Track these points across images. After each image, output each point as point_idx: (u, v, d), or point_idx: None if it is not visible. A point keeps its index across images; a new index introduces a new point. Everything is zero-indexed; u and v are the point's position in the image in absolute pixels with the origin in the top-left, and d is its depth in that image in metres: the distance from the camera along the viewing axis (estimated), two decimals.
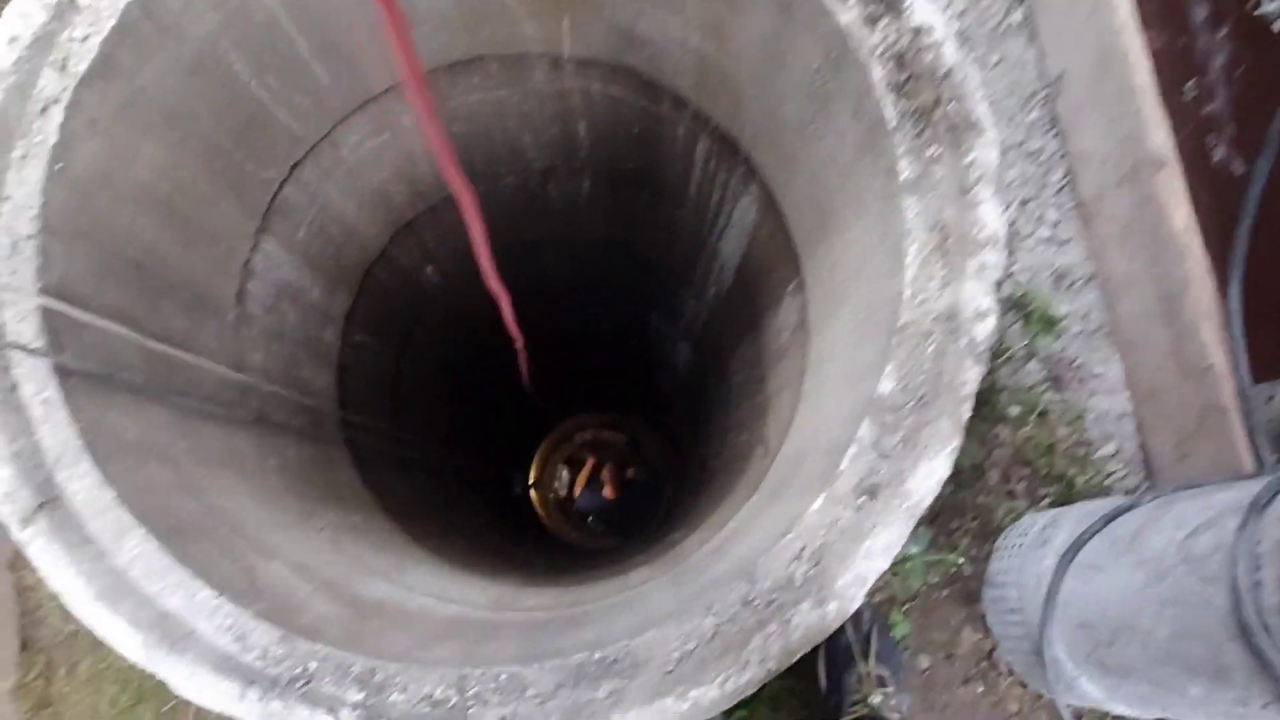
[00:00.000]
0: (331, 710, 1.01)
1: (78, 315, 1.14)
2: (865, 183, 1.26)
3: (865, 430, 1.09)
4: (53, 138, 1.12)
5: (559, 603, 1.59)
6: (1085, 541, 1.41)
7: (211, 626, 1.05)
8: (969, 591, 1.91)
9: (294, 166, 1.65)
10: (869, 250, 1.28)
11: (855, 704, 1.53)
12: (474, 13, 1.51)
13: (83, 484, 1.07)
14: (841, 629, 1.47)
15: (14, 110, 1.12)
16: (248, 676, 1.02)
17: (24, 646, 2.25)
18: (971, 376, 1.06)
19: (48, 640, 2.25)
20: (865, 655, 1.56)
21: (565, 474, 4.72)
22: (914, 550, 1.89)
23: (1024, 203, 2.14)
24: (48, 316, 1.11)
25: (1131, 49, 1.87)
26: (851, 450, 1.08)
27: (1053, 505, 1.95)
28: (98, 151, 1.20)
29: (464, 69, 1.69)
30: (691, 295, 2.51)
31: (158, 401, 1.29)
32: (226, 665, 1.03)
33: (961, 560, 1.90)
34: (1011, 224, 2.08)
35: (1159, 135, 1.85)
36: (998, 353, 1.99)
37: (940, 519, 1.96)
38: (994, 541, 1.91)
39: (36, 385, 1.08)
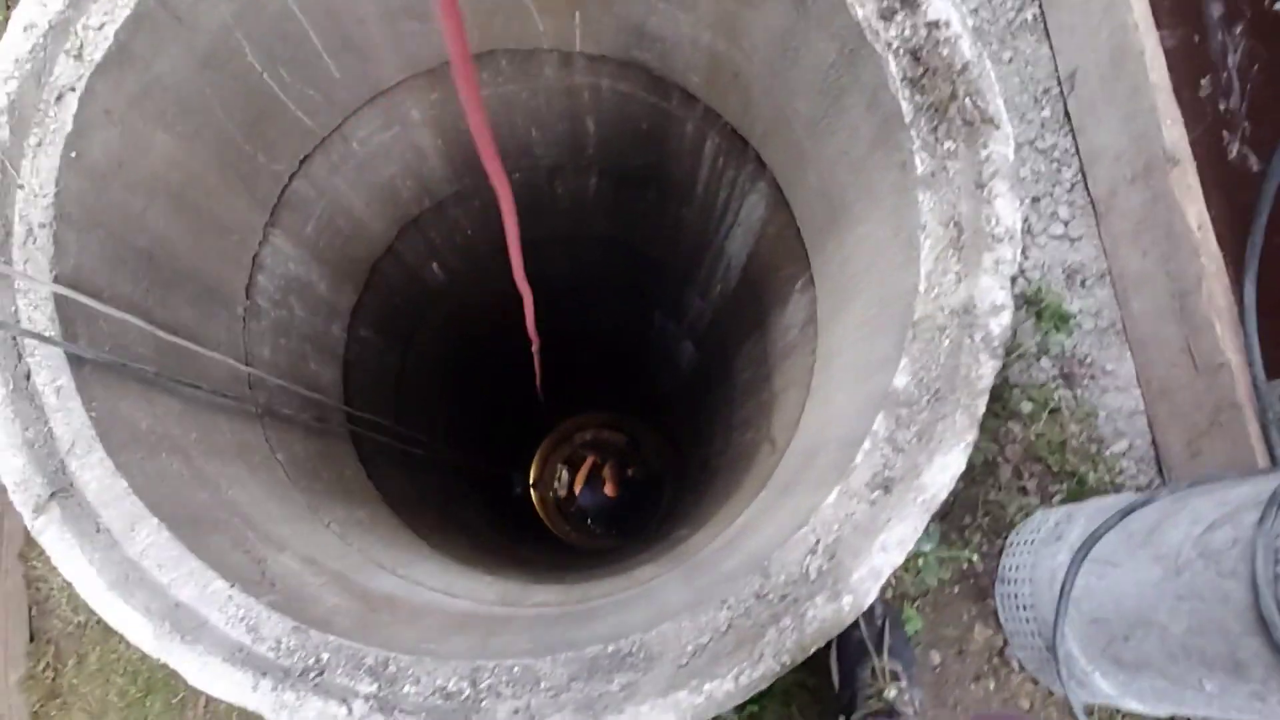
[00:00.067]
0: (344, 701, 1.01)
1: (91, 304, 1.14)
2: (879, 177, 1.26)
3: (879, 424, 1.08)
4: (68, 126, 1.12)
5: (566, 599, 1.58)
6: (1100, 537, 1.41)
7: (224, 617, 1.05)
8: (980, 587, 1.91)
9: (304, 160, 1.65)
10: (881, 245, 1.28)
11: (870, 698, 1.53)
12: (487, 6, 1.51)
13: (95, 473, 1.07)
14: (855, 624, 1.46)
15: (30, 98, 1.11)
16: (260, 667, 1.02)
17: (33, 638, 2.25)
18: (987, 371, 1.06)
19: (57, 632, 2.25)
20: (879, 650, 1.56)
21: (565, 474, 4.72)
22: (926, 547, 1.88)
23: (1036, 200, 2.15)
24: (61, 305, 1.11)
25: (1146, 46, 1.88)
26: (865, 444, 1.08)
27: (1064, 502, 1.95)
28: (112, 140, 1.19)
29: (474, 63, 1.69)
30: (696, 294, 2.51)
31: (169, 393, 1.29)
32: (239, 656, 1.02)
33: (974, 556, 1.90)
34: (1024, 221, 2.08)
35: (1173, 132, 1.85)
36: (1010, 349, 1.99)
37: (951, 515, 1.96)
38: (1005, 538, 1.91)
39: (50, 374, 1.08)
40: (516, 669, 1.04)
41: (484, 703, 1.02)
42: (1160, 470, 1.97)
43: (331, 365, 2.01)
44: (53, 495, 1.05)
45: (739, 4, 1.35)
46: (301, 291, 1.80)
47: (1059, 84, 2.18)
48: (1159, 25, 1.86)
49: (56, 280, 1.11)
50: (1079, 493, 1.93)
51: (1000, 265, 1.07)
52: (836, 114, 1.33)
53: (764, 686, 1.00)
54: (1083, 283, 2.08)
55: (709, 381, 2.72)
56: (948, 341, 1.08)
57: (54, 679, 2.20)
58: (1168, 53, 1.85)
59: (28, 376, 1.08)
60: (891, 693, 1.51)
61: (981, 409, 1.05)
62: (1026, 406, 2.00)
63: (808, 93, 1.37)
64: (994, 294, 1.07)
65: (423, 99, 1.72)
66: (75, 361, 1.10)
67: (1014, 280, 1.08)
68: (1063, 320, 2.02)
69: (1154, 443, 1.99)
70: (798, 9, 1.26)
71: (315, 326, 1.89)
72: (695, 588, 1.24)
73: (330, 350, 2.00)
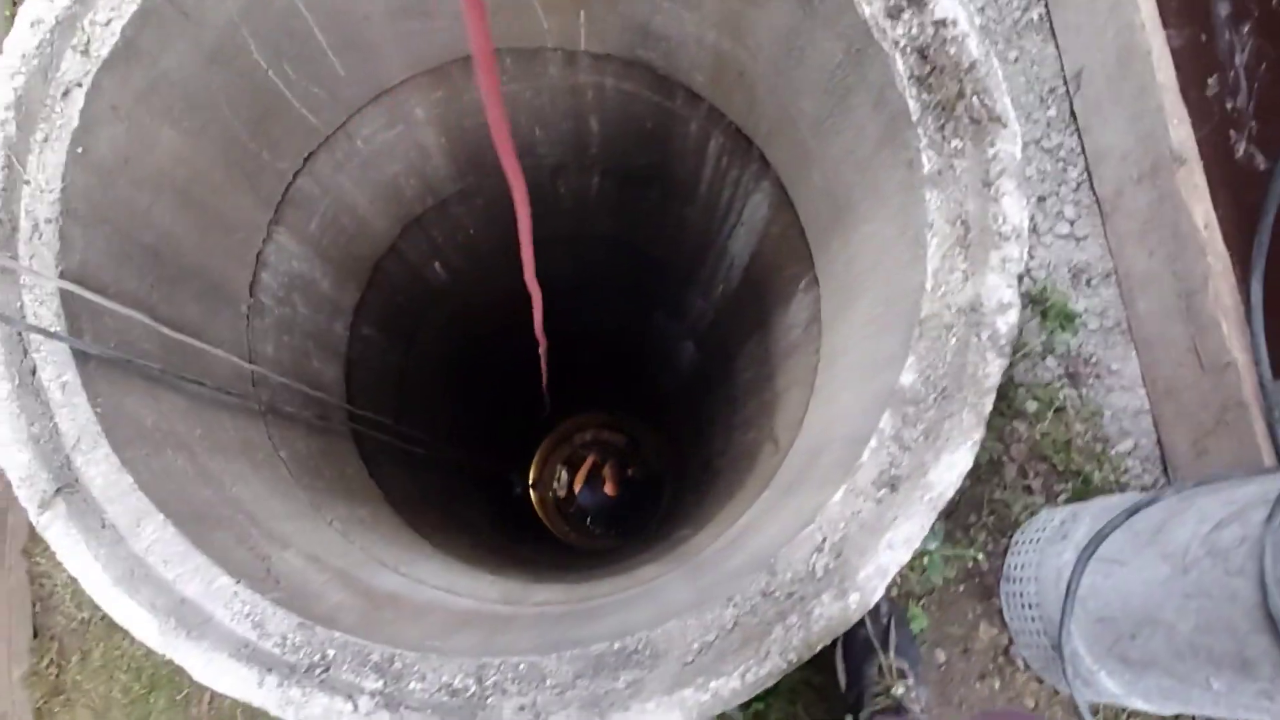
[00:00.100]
0: (350, 698, 1.01)
1: (97, 300, 1.14)
2: (884, 176, 1.26)
3: (886, 422, 1.08)
4: (74, 121, 1.12)
5: (569, 598, 1.58)
6: (1106, 535, 1.41)
7: (229, 613, 1.04)
8: (985, 586, 1.91)
9: (308, 157, 1.65)
10: (887, 244, 1.28)
11: (878, 695, 1.53)
12: (492, 5, 1.51)
13: (100, 469, 1.07)
14: (860, 622, 1.46)
15: (36, 93, 1.11)
16: (266, 663, 1.02)
17: (37, 634, 2.24)
18: (994, 369, 1.06)
19: (60, 628, 2.24)
20: (885, 647, 1.56)
21: (564, 474, 4.73)
22: (932, 545, 1.88)
23: (1041, 199, 2.15)
24: (67, 300, 1.11)
25: (1153, 45, 1.88)
26: (872, 442, 1.08)
27: (1069, 501, 1.96)
28: (118, 136, 1.19)
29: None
30: (698, 294, 2.51)
31: (173, 389, 1.29)
32: (244, 652, 1.02)
33: (980, 555, 1.90)
34: (1030, 220, 2.09)
35: (1180, 131, 1.86)
36: (1015, 348, 2.00)
37: (956, 514, 1.97)
38: (1010, 536, 1.91)
39: (56, 369, 1.08)
40: (522, 666, 1.04)
41: (490, 699, 1.02)
42: (1165, 470, 1.97)
43: (334, 363, 2.01)
44: (58, 491, 1.04)
45: (744, 3, 1.36)
46: (305, 289, 1.80)
47: (1065, 83, 2.19)
48: (1166, 25, 1.86)
49: (62, 276, 1.11)
50: (1084, 492, 1.93)
51: (1007, 263, 1.07)
52: (842, 113, 1.33)
53: (770, 684, 1.00)
54: (1088, 282, 2.09)
55: (710, 381, 2.72)
56: (954, 340, 1.08)
57: (57, 675, 2.20)
58: (1174, 52, 1.86)
59: (33, 372, 1.07)
60: (899, 690, 1.51)
61: (988, 407, 1.05)
62: (1032, 406, 2.00)
63: (813, 92, 1.38)
64: (1001, 292, 1.07)
65: (427, 97, 1.72)
66: (80, 357, 1.10)
67: (1020, 279, 1.08)
68: (1068, 319, 2.02)
69: (1159, 442, 1.99)
70: (804, 8, 1.26)
71: (318, 324, 1.89)
72: (699, 586, 1.24)
73: (333, 348, 2.00)
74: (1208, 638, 1.14)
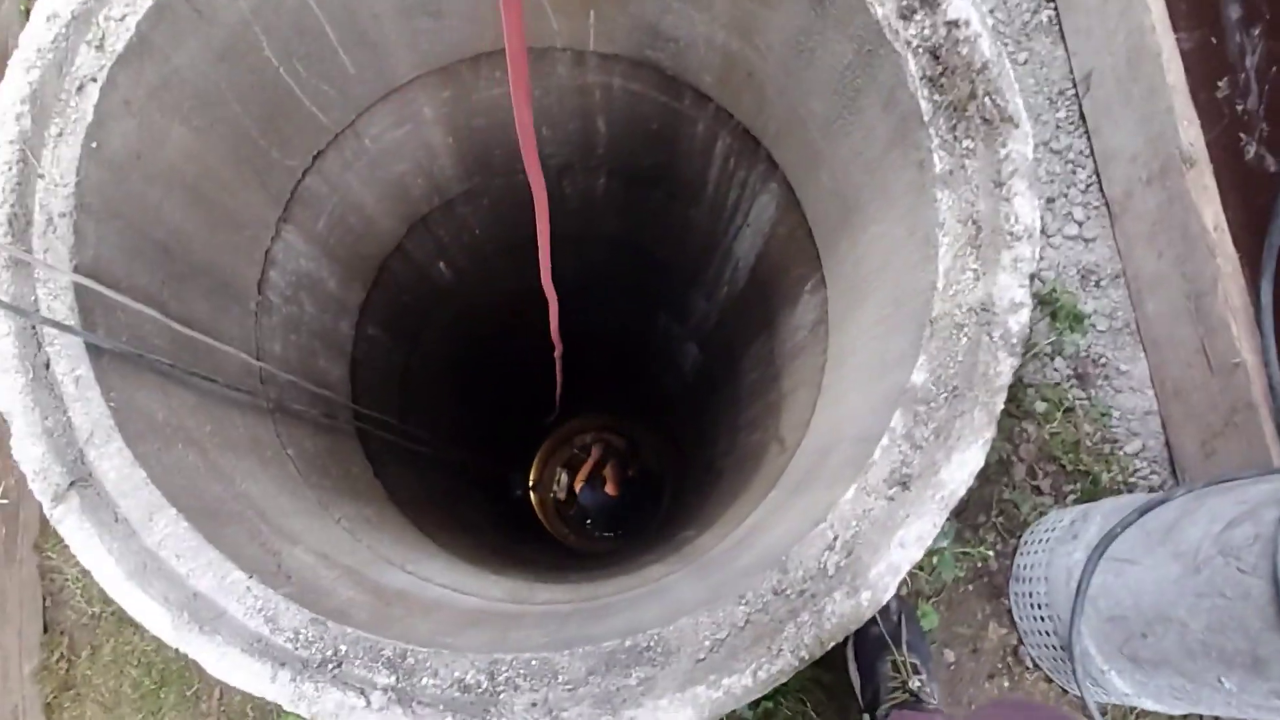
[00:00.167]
0: (362, 693, 1.01)
1: (110, 294, 1.14)
2: (894, 177, 1.27)
3: (897, 421, 1.09)
4: (88, 116, 1.12)
5: (575, 597, 1.58)
6: (1118, 534, 1.41)
7: (242, 608, 1.04)
8: (994, 586, 1.91)
9: (317, 156, 1.65)
10: (897, 244, 1.28)
11: (894, 691, 1.53)
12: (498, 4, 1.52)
13: (114, 463, 1.07)
14: (871, 621, 1.47)
15: (51, 87, 1.11)
16: (279, 658, 1.02)
17: (47, 629, 2.24)
18: (1005, 368, 1.06)
19: (71, 623, 2.24)
20: (897, 644, 1.56)
21: (564, 477, 4.73)
22: (943, 543, 1.89)
23: (1051, 201, 2.16)
24: (80, 295, 1.11)
25: (1164, 47, 1.89)
26: (883, 441, 1.08)
27: (1078, 502, 1.97)
28: (131, 132, 1.20)
29: (487, 62, 1.70)
30: (702, 295, 2.51)
31: (184, 385, 1.29)
32: (257, 647, 1.02)
33: (990, 554, 1.90)
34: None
35: (1190, 133, 1.86)
36: (1025, 349, 2.00)
37: (965, 514, 1.97)
38: (1019, 537, 1.92)
39: (69, 363, 1.08)
40: (534, 662, 1.04)
41: (502, 695, 1.02)
42: (1174, 471, 1.98)
43: (340, 362, 2.01)
44: (71, 484, 1.05)
45: (756, 3, 1.36)
46: (312, 288, 1.80)
47: (1074, 85, 2.20)
48: (1176, 27, 1.87)
49: (76, 270, 1.11)
50: (1093, 493, 1.94)
51: (1019, 263, 1.08)
52: (852, 114, 1.34)
53: (782, 681, 1.01)
54: (1097, 283, 2.10)
55: (714, 383, 2.72)
56: (966, 339, 1.08)
57: (68, 670, 2.19)
58: (1185, 54, 1.86)
59: (47, 365, 1.08)
60: (915, 684, 1.52)
61: (1000, 406, 1.06)
62: (1041, 406, 2.01)
63: (823, 92, 1.38)
64: (1012, 292, 1.07)
65: (435, 96, 1.73)
66: (94, 351, 1.10)
67: (1031, 279, 1.09)
68: (1077, 321, 2.03)
69: (1168, 443, 2.00)
70: (815, 8, 1.27)
71: (325, 323, 1.90)
72: (709, 584, 1.24)
73: (339, 347, 2.00)
74: (1220, 637, 1.15)
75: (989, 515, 1.95)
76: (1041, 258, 2.12)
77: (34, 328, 1.07)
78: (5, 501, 2.05)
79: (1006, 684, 1.86)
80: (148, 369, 1.21)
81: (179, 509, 1.07)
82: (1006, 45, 2.22)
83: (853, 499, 1.07)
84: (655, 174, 2.04)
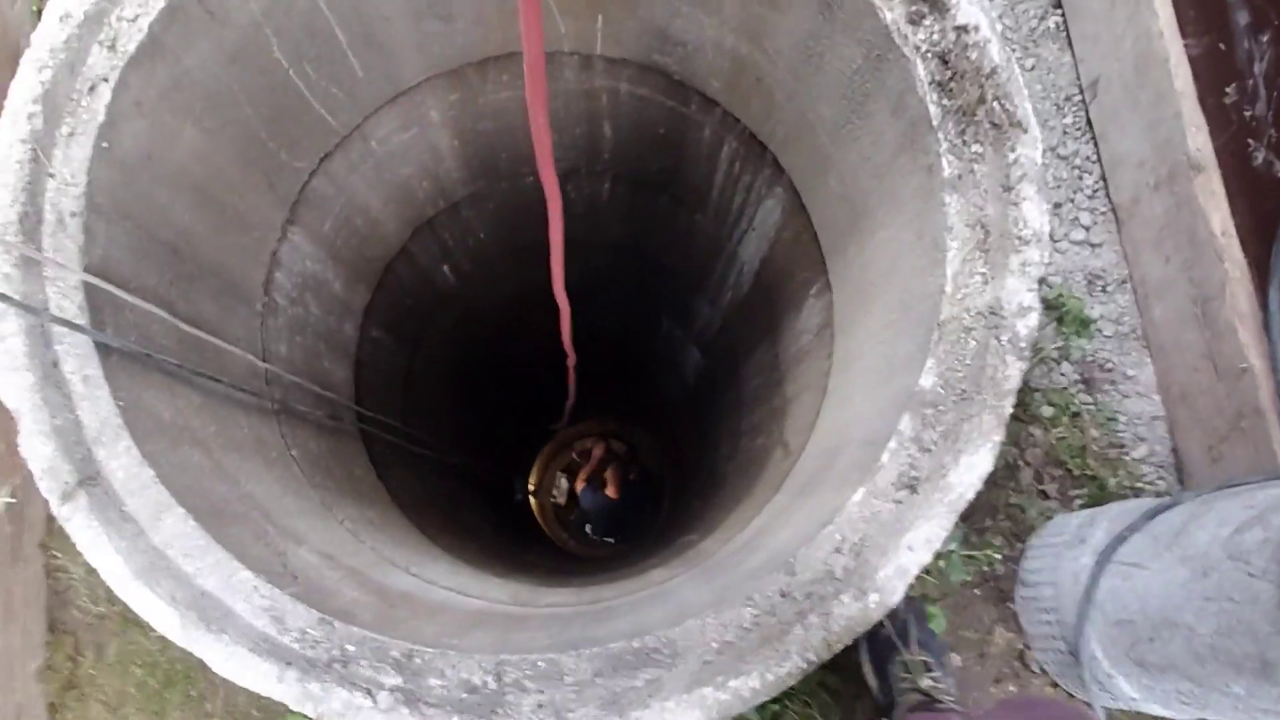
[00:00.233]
0: (369, 693, 1.00)
1: (119, 294, 1.14)
2: (902, 181, 1.27)
3: (905, 424, 1.09)
4: (100, 116, 1.13)
5: (579, 600, 1.58)
6: (1125, 539, 1.41)
7: (250, 607, 1.04)
8: (1001, 590, 1.91)
9: (324, 158, 1.65)
10: (904, 248, 1.28)
11: (907, 691, 1.53)
12: (510, 8, 1.52)
13: (122, 462, 1.07)
14: (881, 624, 1.46)
15: (63, 87, 1.12)
16: (286, 658, 1.01)
17: (52, 628, 2.23)
18: (1014, 372, 1.06)
19: (76, 622, 2.23)
20: (906, 643, 1.56)
21: (564, 482, 4.73)
22: (952, 545, 1.88)
23: (1057, 206, 2.17)
24: (90, 294, 1.11)
25: (1171, 53, 1.90)
26: (891, 444, 1.08)
27: (1085, 506, 1.97)
28: (141, 133, 1.20)
29: (494, 65, 1.70)
30: (706, 300, 2.51)
31: (190, 385, 1.29)
32: (264, 646, 1.02)
33: (997, 558, 1.90)
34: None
35: (1198, 139, 1.87)
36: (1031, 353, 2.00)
37: (972, 518, 1.96)
38: (1026, 541, 1.91)
39: (78, 362, 1.08)
40: (541, 663, 1.04)
41: (508, 697, 1.02)
42: (1180, 476, 1.98)
43: (344, 364, 2.01)
44: (80, 483, 1.04)
45: (765, 7, 1.36)
46: (317, 289, 1.80)
47: (1081, 91, 2.20)
48: (1184, 33, 1.87)
49: (86, 269, 1.11)
50: (1099, 497, 1.94)
51: (1027, 267, 1.08)
52: (860, 119, 1.34)
53: (791, 684, 1.00)
54: (1104, 288, 2.10)
55: (716, 388, 2.72)
56: (974, 343, 1.08)
57: (72, 670, 2.19)
58: (1193, 60, 1.87)
59: (55, 364, 1.07)
60: (925, 681, 1.51)
61: (1008, 410, 1.06)
62: (1047, 411, 2.01)
63: (832, 97, 1.38)
64: (1021, 296, 1.07)
65: (442, 100, 1.73)
66: (103, 350, 1.10)
67: (1040, 283, 1.09)
68: (1084, 325, 2.03)
69: (1174, 448, 2.00)
70: (824, 13, 1.27)
71: (329, 325, 1.90)
72: (716, 587, 1.24)
73: (343, 349, 2.00)
74: (1228, 641, 1.14)
75: (995, 519, 1.95)
76: (1049, 262, 2.12)
77: (42, 326, 1.07)
78: (13, 500, 2.04)
79: (1013, 688, 1.85)
80: (155, 369, 1.21)
81: (186, 508, 1.07)
82: (1014, 51, 2.23)
83: (860, 502, 1.07)
84: (661, 179, 2.04)
